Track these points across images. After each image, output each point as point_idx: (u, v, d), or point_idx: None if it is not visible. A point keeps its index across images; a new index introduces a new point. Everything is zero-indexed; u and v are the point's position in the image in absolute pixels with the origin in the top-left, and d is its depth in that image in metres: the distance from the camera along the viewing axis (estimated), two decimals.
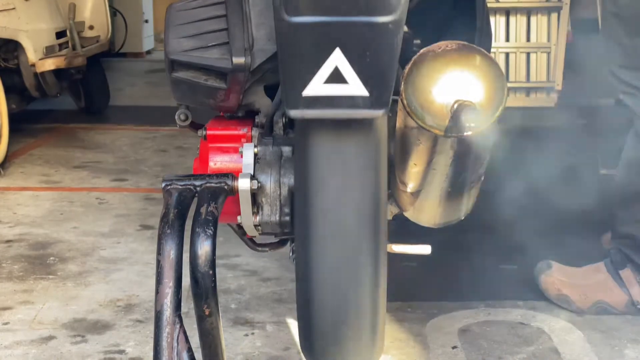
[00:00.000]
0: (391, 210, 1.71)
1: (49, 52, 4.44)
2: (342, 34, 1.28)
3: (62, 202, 3.45)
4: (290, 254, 1.75)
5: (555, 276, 2.40)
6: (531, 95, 5.56)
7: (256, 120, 1.67)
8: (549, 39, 5.53)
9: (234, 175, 1.52)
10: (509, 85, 5.25)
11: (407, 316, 2.34)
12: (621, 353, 2.13)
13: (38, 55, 4.30)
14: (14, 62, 4.28)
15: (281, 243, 1.90)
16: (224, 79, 1.55)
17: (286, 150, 1.60)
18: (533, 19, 5.56)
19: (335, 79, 1.30)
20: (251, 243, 1.94)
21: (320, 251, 1.44)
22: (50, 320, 2.32)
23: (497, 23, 5.50)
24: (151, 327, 1.42)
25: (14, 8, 4.16)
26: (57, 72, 4.53)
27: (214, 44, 1.54)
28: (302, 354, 1.57)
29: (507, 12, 5.54)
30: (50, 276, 2.65)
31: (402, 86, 1.32)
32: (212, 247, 1.40)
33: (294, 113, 1.33)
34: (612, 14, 2.24)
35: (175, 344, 1.38)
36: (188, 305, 1.71)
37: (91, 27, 5.20)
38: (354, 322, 1.48)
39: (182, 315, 1.41)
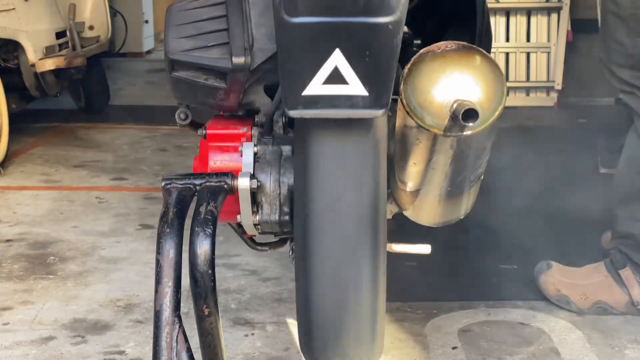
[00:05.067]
0: (391, 210, 1.71)
1: (48, 52, 4.44)
2: (342, 34, 1.29)
3: (62, 202, 3.45)
4: (290, 254, 1.75)
5: (555, 276, 2.40)
6: (531, 94, 5.56)
7: (256, 119, 1.67)
8: (549, 39, 5.54)
9: (233, 174, 1.52)
10: (509, 85, 5.29)
11: (407, 316, 2.34)
12: (621, 353, 2.13)
13: (38, 55, 4.30)
14: (14, 62, 4.28)
15: (281, 242, 1.90)
16: (223, 79, 1.55)
17: (286, 149, 1.60)
18: (533, 19, 5.56)
19: (335, 79, 1.31)
20: (251, 242, 1.94)
21: (319, 251, 1.44)
22: (50, 321, 2.32)
23: (497, 23, 5.50)
24: (151, 327, 1.42)
25: (14, 8, 4.16)
26: (57, 72, 4.52)
27: (214, 43, 1.54)
28: (301, 354, 1.57)
29: (507, 12, 5.54)
30: (50, 276, 2.65)
31: (401, 86, 1.32)
32: (212, 247, 1.40)
33: (294, 113, 1.33)
34: (612, 13, 2.24)
35: (174, 344, 1.38)
36: (188, 305, 1.71)
37: (91, 27, 5.19)
38: (353, 322, 1.48)
39: (182, 315, 1.42)
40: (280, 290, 2.51)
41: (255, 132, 1.65)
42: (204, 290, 1.40)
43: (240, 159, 1.61)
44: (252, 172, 1.56)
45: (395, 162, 1.52)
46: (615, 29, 2.24)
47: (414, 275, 2.63)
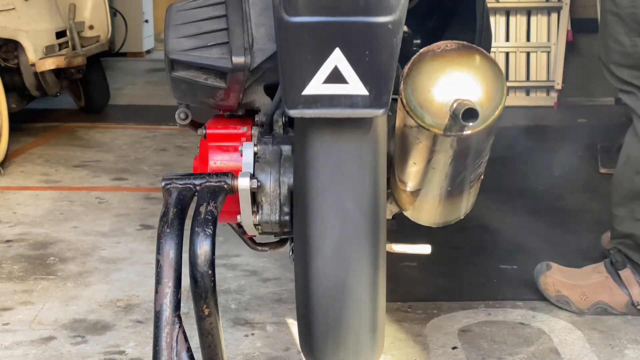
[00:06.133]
0: (391, 210, 1.71)
1: (49, 51, 4.44)
2: (342, 34, 1.29)
3: (62, 202, 3.45)
4: (290, 254, 1.75)
5: (555, 277, 2.40)
6: (531, 94, 5.56)
7: (256, 119, 1.67)
8: (549, 39, 5.54)
9: (233, 174, 1.52)
10: (509, 84, 5.29)
11: (407, 316, 2.34)
12: (621, 353, 2.13)
13: (38, 55, 4.30)
14: (14, 61, 4.28)
15: (281, 242, 1.90)
16: (223, 78, 1.55)
17: (286, 149, 1.60)
18: (533, 19, 5.56)
19: (335, 78, 1.31)
20: (251, 242, 1.94)
21: (319, 251, 1.44)
22: (50, 321, 2.32)
23: (497, 23, 5.50)
24: (151, 328, 1.42)
25: (14, 8, 4.16)
26: (57, 72, 4.52)
27: (213, 43, 1.54)
28: (302, 354, 1.57)
29: (507, 12, 5.54)
30: (50, 276, 2.65)
31: (401, 85, 1.32)
32: (212, 247, 1.40)
33: (294, 112, 1.33)
34: (611, 13, 2.24)
35: (174, 344, 1.38)
36: (188, 305, 1.71)
37: (91, 27, 5.19)
38: (353, 322, 1.48)
39: (182, 315, 1.41)
40: (281, 291, 2.51)
41: (255, 131, 1.65)
42: (204, 290, 1.40)
43: (240, 158, 1.61)
44: (252, 172, 1.56)
45: (395, 162, 1.52)
46: (614, 28, 2.24)
47: (414, 275, 2.62)
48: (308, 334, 1.51)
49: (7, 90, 4.14)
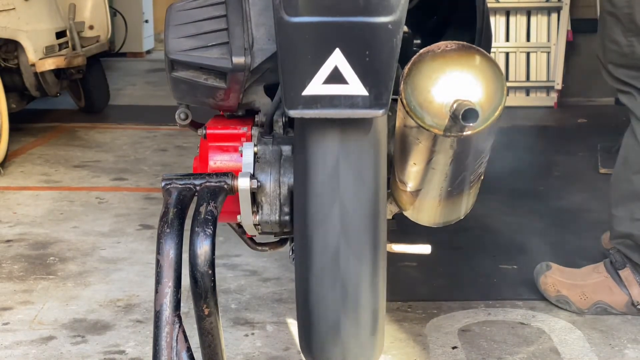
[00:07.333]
0: (391, 210, 1.71)
1: (48, 52, 4.44)
2: (342, 34, 1.29)
3: (62, 202, 3.45)
4: (290, 254, 1.75)
5: (555, 277, 2.40)
6: (531, 94, 5.56)
7: (256, 119, 1.68)
8: (549, 39, 5.54)
9: (233, 174, 1.52)
10: (509, 85, 5.29)
11: (407, 316, 2.34)
12: (621, 353, 2.13)
13: (38, 55, 4.30)
14: (14, 61, 4.28)
15: (281, 242, 1.90)
16: (223, 79, 1.55)
17: (286, 149, 1.61)
18: (533, 19, 5.56)
19: (335, 79, 1.31)
20: (251, 242, 1.94)
21: (319, 251, 1.45)
22: (50, 321, 2.32)
23: (497, 23, 5.50)
24: (151, 327, 1.42)
25: (14, 8, 4.16)
26: (57, 72, 4.53)
27: (213, 43, 1.54)
28: (301, 354, 1.57)
29: (507, 12, 5.55)
30: (50, 276, 2.65)
31: (401, 86, 1.32)
32: (212, 247, 1.40)
33: (294, 113, 1.33)
34: (608, 13, 2.24)
35: (174, 344, 1.38)
36: (188, 305, 1.71)
37: (91, 27, 5.20)
38: (353, 322, 1.48)
39: (182, 315, 1.42)
40: (280, 291, 2.51)
41: (255, 132, 1.65)
42: (204, 290, 1.40)
43: (240, 159, 1.61)
44: (252, 172, 1.56)
45: (395, 162, 1.52)
46: (612, 28, 2.24)
47: (414, 275, 2.63)
48: (308, 333, 1.51)
49: (7, 90, 4.14)
